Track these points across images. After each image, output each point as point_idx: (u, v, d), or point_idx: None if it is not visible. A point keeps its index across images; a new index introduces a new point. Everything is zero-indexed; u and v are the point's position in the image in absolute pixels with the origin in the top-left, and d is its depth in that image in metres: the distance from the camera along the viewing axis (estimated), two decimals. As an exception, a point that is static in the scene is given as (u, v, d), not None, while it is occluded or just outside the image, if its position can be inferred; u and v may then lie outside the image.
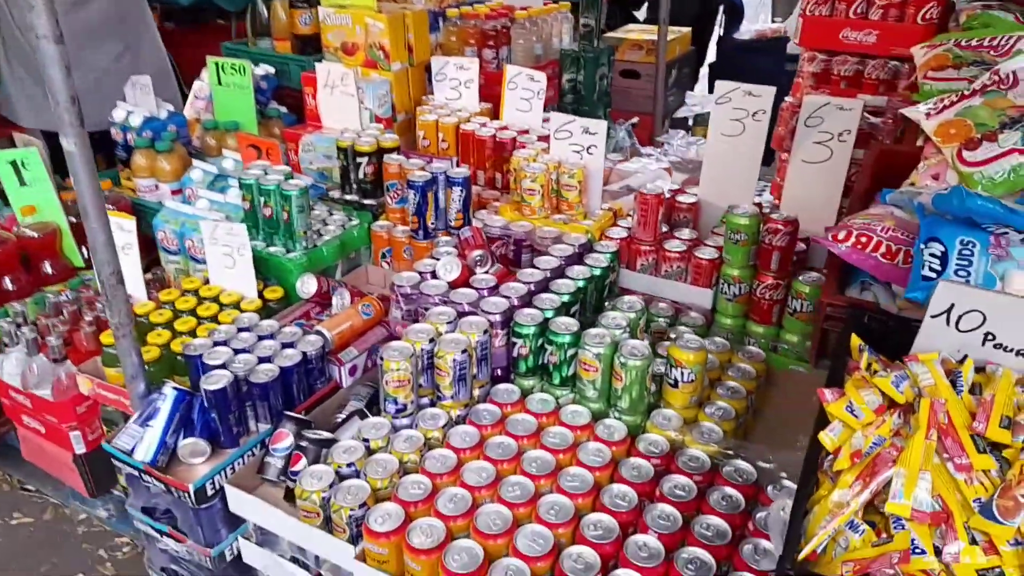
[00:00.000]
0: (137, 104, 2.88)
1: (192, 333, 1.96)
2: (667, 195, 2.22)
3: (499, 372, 1.87)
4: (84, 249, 2.51)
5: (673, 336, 1.71)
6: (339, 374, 1.92)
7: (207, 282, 2.22)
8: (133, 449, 1.67)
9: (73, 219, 2.49)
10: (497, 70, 3.10)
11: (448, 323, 1.80)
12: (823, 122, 2.23)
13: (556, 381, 1.81)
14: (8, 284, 2.35)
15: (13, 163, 2.41)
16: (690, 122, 4.30)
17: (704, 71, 5.14)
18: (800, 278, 1.99)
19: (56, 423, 2.02)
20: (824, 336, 1.83)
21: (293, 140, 2.99)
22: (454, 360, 1.69)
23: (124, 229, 2.14)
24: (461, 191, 2.27)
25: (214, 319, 2.02)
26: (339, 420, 1.83)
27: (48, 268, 2.45)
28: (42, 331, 2.07)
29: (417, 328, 1.77)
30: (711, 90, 4.61)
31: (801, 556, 1.12)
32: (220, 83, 2.88)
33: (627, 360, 1.66)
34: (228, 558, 1.70)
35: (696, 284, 2.14)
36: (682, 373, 1.69)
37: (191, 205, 2.47)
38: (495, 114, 2.95)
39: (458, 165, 2.75)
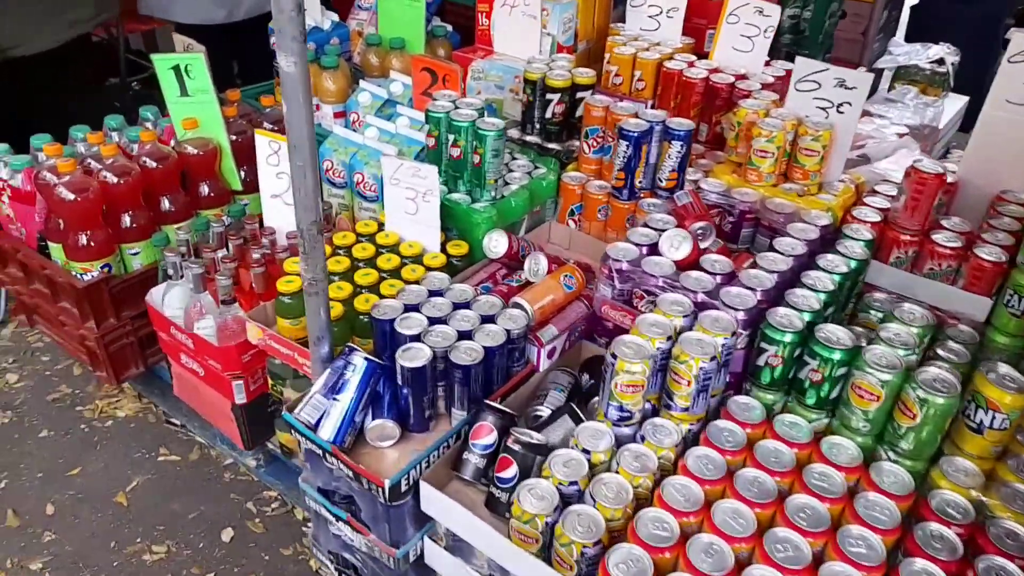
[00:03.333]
0: (299, 11, 2.60)
1: (375, 289, 1.72)
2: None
3: (730, 379, 1.56)
4: (243, 171, 2.30)
5: (985, 370, 1.34)
6: (537, 356, 1.65)
7: (381, 227, 1.96)
8: (318, 424, 1.46)
9: (234, 136, 2.27)
10: (706, -1, 2.65)
11: (684, 316, 1.48)
12: None
13: (811, 401, 1.48)
14: (167, 204, 2.17)
15: (175, 69, 2.19)
16: (888, 75, 3.71)
17: (904, 15, 4.45)
18: (1125, 301, 1.57)
19: (219, 369, 1.85)
20: None
21: (461, 64, 2.66)
22: (701, 368, 1.38)
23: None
24: (682, 147, 1.91)
25: (396, 274, 1.77)
26: (540, 414, 1.57)
27: (206, 189, 2.26)
28: (208, 266, 1.88)
29: (651, 320, 1.46)
30: (908, 38, 3.98)
31: None
32: (389, -7, 2.57)
33: (929, 396, 1.31)
34: (411, 558, 1.49)
35: (971, 289, 1.74)
36: (992, 418, 1.33)
37: (359, 133, 2.20)
38: (697, 51, 2.53)
39: (653, 107, 2.38)
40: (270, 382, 1.89)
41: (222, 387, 1.90)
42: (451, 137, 1.90)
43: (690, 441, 1.43)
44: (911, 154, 2.16)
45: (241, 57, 3.50)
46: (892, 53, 3.63)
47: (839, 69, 1.88)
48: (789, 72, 2.34)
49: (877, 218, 1.84)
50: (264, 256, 1.88)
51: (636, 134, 1.88)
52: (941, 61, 3.56)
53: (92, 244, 2.01)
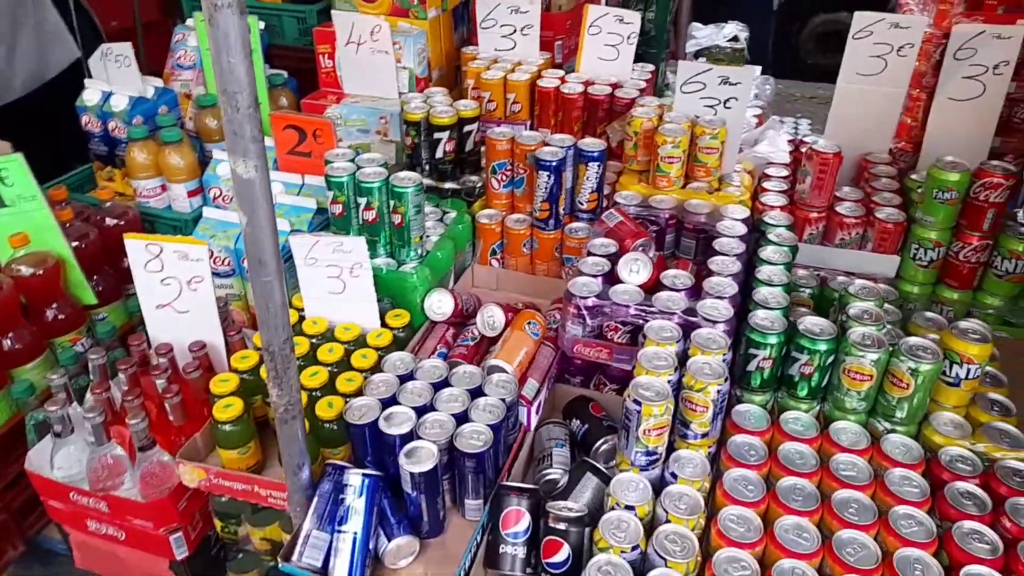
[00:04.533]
0: (113, 81, 2.23)
1: (329, 389, 1.50)
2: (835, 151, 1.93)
3: (720, 388, 1.56)
4: (92, 281, 1.92)
5: (954, 329, 1.46)
6: (528, 415, 1.55)
7: (301, 313, 1.74)
8: (327, 565, 1.25)
9: (76, 243, 1.88)
10: (546, 10, 2.65)
11: (677, 341, 1.46)
12: (976, 54, 2.01)
13: (803, 393, 1.53)
14: (9, 343, 1.75)
15: (-17, 178, 1.77)
16: (691, 58, 4.00)
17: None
18: (1008, 233, 1.79)
19: (150, 528, 1.52)
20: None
21: (314, 112, 2.45)
22: (718, 391, 1.36)
23: (191, 258, 1.62)
24: (598, 168, 1.88)
25: (345, 365, 1.57)
26: (554, 477, 1.47)
27: (52, 313, 1.85)
28: (104, 410, 1.53)
29: (650, 354, 1.42)
30: (697, 19, 4.31)
31: None
32: (218, 47, 2.28)
33: (919, 365, 1.40)
34: None
35: (879, 250, 1.89)
36: (967, 371, 1.45)
37: (231, 210, 1.94)
38: (552, 65, 2.53)
39: (533, 128, 2.35)
40: (217, 524, 1.60)
41: (154, 546, 1.57)
42: (362, 201, 1.72)
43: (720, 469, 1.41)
44: (778, 134, 2.32)
45: (26, 143, 2.98)
46: (695, 37, 3.91)
47: (722, 68, 1.95)
48: (654, 73, 2.43)
49: (784, 201, 1.95)
50: (171, 381, 1.58)
51: (555, 163, 1.83)
52: (736, 38, 3.90)
53: (-75, 416, 1.58)
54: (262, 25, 2.56)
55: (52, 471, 1.56)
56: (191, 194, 2.13)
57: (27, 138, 2.82)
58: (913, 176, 2.01)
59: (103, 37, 3.38)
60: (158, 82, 2.30)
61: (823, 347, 1.46)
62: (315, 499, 1.32)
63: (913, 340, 1.44)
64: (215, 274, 1.90)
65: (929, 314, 1.62)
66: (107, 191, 2.12)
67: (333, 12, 2.41)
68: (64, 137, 2.43)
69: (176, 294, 1.66)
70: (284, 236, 1.80)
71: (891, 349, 1.43)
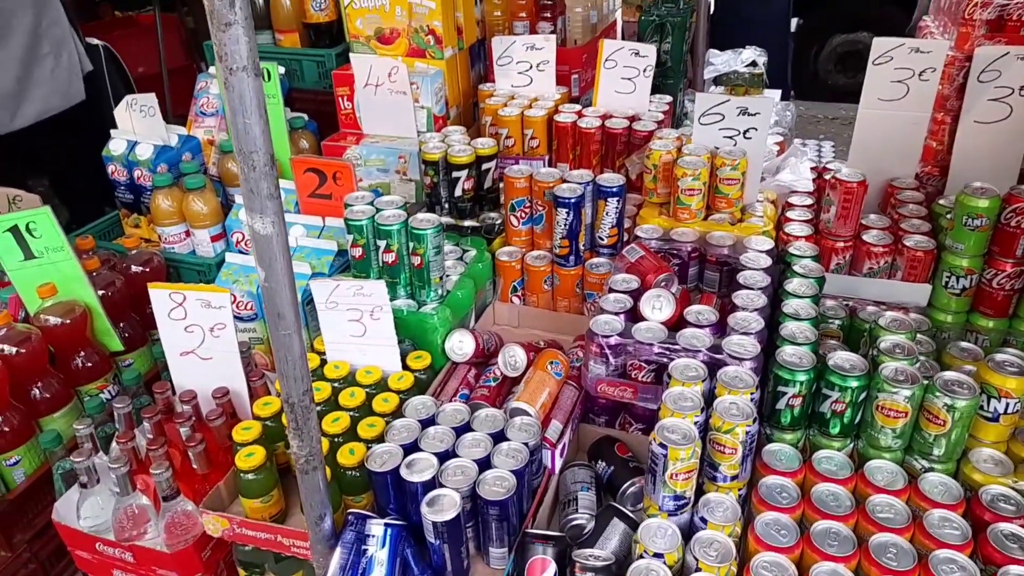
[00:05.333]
0: (138, 130, 2.28)
1: (351, 435, 1.49)
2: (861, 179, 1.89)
3: (749, 426, 1.53)
4: (119, 328, 1.95)
5: (990, 362, 1.41)
6: (552, 459, 1.52)
7: (322, 357, 1.74)
8: (350, 620, 1.23)
9: (102, 292, 1.91)
10: (562, 44, 2.67)
11: (702, 381, 1.43)
12: (1000, 76, 1.97)
13: (835, 431, 1.48)
14: (39, 393, 1.78)
15: (13, 230, 1.81)
16: (710, 85, 3.99)
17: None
18: (1043, 261, 1.73)
19: (175, 578, 1.52)
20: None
21: (334, 154, 2.48)
22: (747, 433, 1.33)
23: (213, 305, 1.63)
24: (618, 203, 1.87)
25: (367, 410, 1.56)
26: (580, 523, 1.44)
27: (81, 362, 1.88)
28: (128, 459, 1.54)
29: (676, 395, 1.39)
30: (714, 45, 4.31)
31: None
32: (240, 94, 2.32)
33: (955, 401, 1.35)
34: None
35: (909, 279, 1.85)
36: (1006, 405, 1.40)
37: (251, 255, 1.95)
38: (569, 99, 2.54)
39: (552, 163, 2.35)
40: (241, 573, 1.59)
41: (180, 596, 1.57)
42: (382, 243, 1.73)
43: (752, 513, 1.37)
44: (800, 162, 2.29)
45: (42, 172, 3.09)
46: (712, 63, 3.90)
47: (739, 99, 1.94)
48: (671, 104, 2.42)
49: (809, 231, 1.92)
50: (195, 429, 1.59)
51: (574, 199, 1.82)
52: (754, 63, 3.88)
53: (-45, 468, 1.60)
54: (282, 70, 2.61)
55: (79, 521, 1.57)
56: (214, 239, 2.16)
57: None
58: (941, 201, 1.97)
59: (133, 86, 3.48)
60: (182, 130, 2.35)
61: (854, 383, 1.42)
62: (338, 550, 1.30)
63: (948, 375, 1.40)
64: (238, 318, 1.92)
65: (964, 344, 1.58)
66: (133, 239, 2.16)
67: (351, 55, 2.44)
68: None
69: (199, 341, 1.67)
70: (305, 280, 1.82)
71: (925, 384, 1.38)
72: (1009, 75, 1.96)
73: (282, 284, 1.02)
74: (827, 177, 2.01)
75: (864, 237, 1.87)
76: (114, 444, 1.57)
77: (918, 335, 1.65)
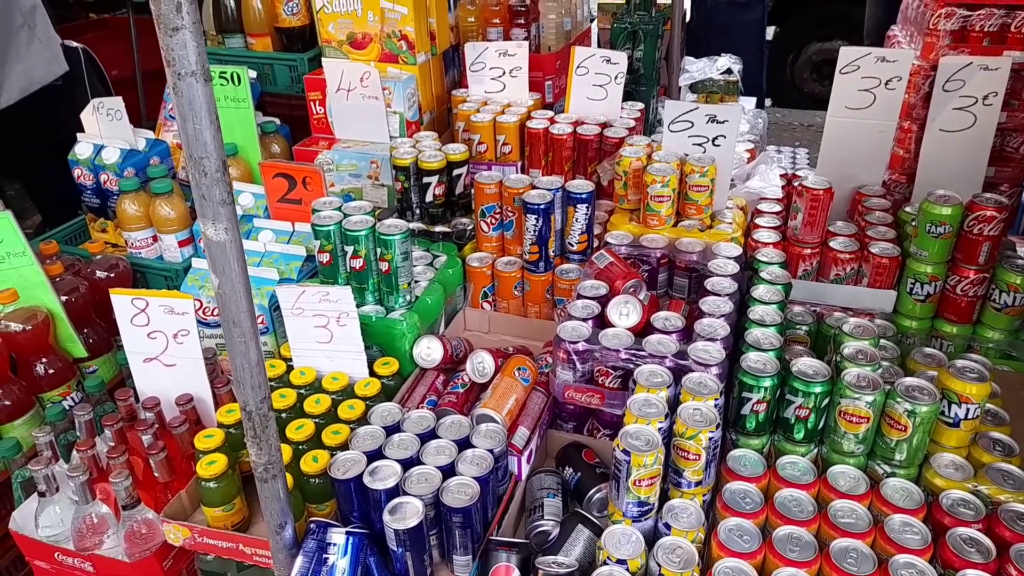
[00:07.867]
0: (104, 134, 2.25)
1: (315, 442, 1.48)
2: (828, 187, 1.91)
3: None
4: (83, 334, 1.91)
5: (951, 368, 1.42)
6: (519, 465, 1.52)
7: (288, 364, 1.72)
8: (310, 630, 1.21)
9: (65, 297, 1.88)
10: (535, 51, 2.67)
11: (668, 387, 1.43)
12: (964, 85, 2.00)
13: (799, 436, 1.49)
14: (-2, 400, 1.75)
15: (-30, 236, 1.78)
16: (685, 92, 4.02)
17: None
18: (1004, 266, 1.76)
19: (135, 588, 1.50)
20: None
21: (306, 159, 2.47)
22: (710, 439, 1.33)
23: (176, 311, 1.61)
24: (587, 209, 1.87)
25: (332, 417, 1.55)
26: (545, 529, 1.43)
27: (43, 368, 1.85)
28: (88, 467, 1.51)
29: (640, 401, 1.39)
30: (690, 53, 4.34)
31: None
32: (210, 97, 2.30)
33: (916, 407, 1.36)
34: None
35: (875, 285, 1.87)
36: (967, 411, 1.41)
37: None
38: (542, 105, 2.54)
39: (524, 169, 2.35)
40: (204, 582, 1.57)
41: (140, 607, 1.54)
42: (349, 249, 1.71)
43: (715, 518, 1.37)
44: (770, 169, 2.31)
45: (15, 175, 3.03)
46: (688, 71, 3.93)
47: (708, 106, 1.95)
48: (643, 111, 2.43)
49: (776, 238, 1.93)
50: (157, 436, 1.56)
51: (543, 206, 1.82)
52: (729, 71, 3.91)
53: (-91, 478, 1.56)
54: (254, 74, 2.59)
55: (37, 531, 1.54)
56: (182, 244, 2.14)
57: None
58: (907, 208, 1.99)
59: (111, 90, 3.42)
60: (149, 134, 2.32)
61: (818, 389, 1.43)
62: (299, 558, 1.28)
63: (909, 380, 1.41)
64: (204, 324, 1.90)
65: (928, 350, 1.60)
66: (99, 244, 2.13)
67: (323, 60, 2.43)
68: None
69: (163, 348, 1.65)
70: (273, 285, 1.80)
71: (887, 390, 1.39)
72: (972, 85, 1.99)
73: (237, 291, 1.01)
74: (795, 184, 2.03)
75: (831, 244, 1.89)
76: (74, 452, 1.54)
77: (884, 341, 1.67)
